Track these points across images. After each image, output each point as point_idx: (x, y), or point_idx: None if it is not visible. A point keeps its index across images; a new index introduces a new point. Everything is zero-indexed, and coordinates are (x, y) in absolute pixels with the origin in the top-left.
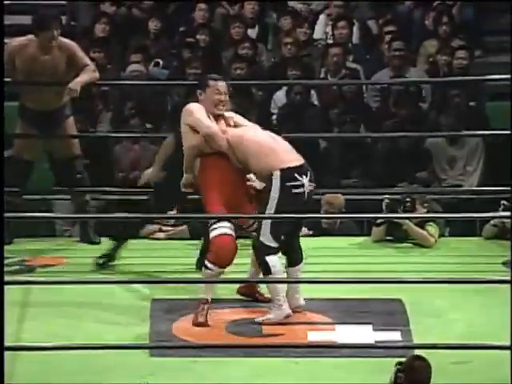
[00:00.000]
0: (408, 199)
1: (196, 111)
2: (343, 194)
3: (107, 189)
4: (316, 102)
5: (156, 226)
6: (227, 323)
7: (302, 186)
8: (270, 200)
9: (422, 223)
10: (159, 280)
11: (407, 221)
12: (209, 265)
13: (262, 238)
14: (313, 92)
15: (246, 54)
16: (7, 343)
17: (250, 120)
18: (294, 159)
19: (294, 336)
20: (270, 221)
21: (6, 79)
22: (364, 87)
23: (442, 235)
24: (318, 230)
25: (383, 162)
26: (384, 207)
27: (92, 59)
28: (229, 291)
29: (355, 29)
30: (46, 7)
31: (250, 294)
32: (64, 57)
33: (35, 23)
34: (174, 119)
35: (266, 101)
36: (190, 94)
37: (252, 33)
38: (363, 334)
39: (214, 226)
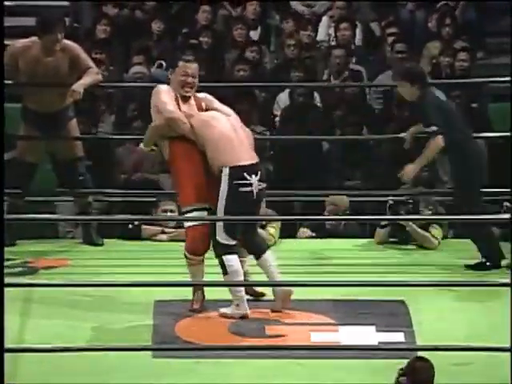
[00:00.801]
0: (411, 201)
1: (162, 93)
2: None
3: (110, 190)
4: (319, 104)
5: (159, 228)
6: (230, 324)
7: (250, 185)
8: (219, 198)
9: (425, 225)
10: (161, 283)
11: (410, 223)
12: (188, 255)
13: (217, 237)
14: (316, 94)
15: (249, 56)
16: (9, 344)
17: (250, 121)
18: (247, 157)
19: (297, 337)
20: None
21: (9, 81)
22: (367, 89)
23: (445, 237)
24: (322, 232)
25: (386, 163)
26: (387, 209)
27: (94, 60)
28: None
29: (358, 31)
30: (50, 9)
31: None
32: (67, 59)
33: (39, 26)
34: None
35: (269, 102)
36: None
37: (254, 34)
38: (366, 335)
39: (188, 215)
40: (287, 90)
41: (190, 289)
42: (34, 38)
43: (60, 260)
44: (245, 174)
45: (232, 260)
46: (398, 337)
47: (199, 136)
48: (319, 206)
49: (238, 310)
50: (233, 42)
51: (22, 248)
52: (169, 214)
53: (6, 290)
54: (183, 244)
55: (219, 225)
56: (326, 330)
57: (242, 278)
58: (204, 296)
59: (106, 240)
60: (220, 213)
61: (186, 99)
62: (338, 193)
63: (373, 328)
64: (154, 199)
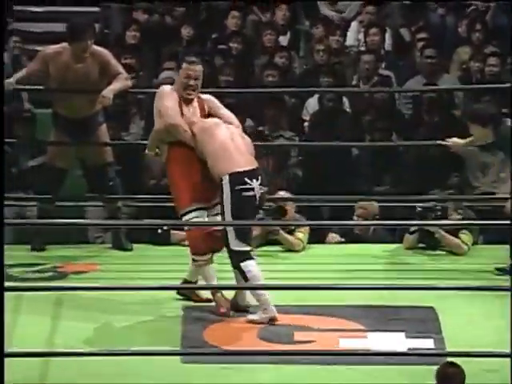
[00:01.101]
0: (440, 207)
1: (165, 97)
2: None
3: (139, 196)
4: (348, 109)
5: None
6: (259, 329)
7: (252, 189)
8: (224, 207)
9: (455, 231)
10: (190, 287)
11: (439, 229)
12: (194, 257)
13: (231, 246)
14: (345, 99)
15: (278, 62)
16: (39, 346)
17: (279, 126)
18: (246, 163)
19: (326, 343)
20: (232, 227)
21: (40, 87)
22: (396, 94)
23: (475, 243)
24: (350, 237)
25: (415, 168)
26: (416, 216)
27: (124, 66)
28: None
29: (387, 36)
30: (80, 15)
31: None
32: (97, 65)
33: (69, 32)
34: None
35: (298, 108)
36: (222, 101)
37: (284, 40)
38: (396, 341)
39: (186, 217)
40: (316, 96)
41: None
42: (65, 44)
43: (89, 265)
44: (245, 179)
45: (249, 266)
46: (428, 343)
47: (199, 143)
48: (348, 211)
49: (265, 315)
50: (262, 47)
51: (52, 253)
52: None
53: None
54: None
55: (230, 233)
56: (354, 336)
57: (262, 281)
58: (226, 298)
59: (135, 245)
60: (227, 219)
61: (188, 101)
62: (367, 198)
63: (402, 334)
64: None
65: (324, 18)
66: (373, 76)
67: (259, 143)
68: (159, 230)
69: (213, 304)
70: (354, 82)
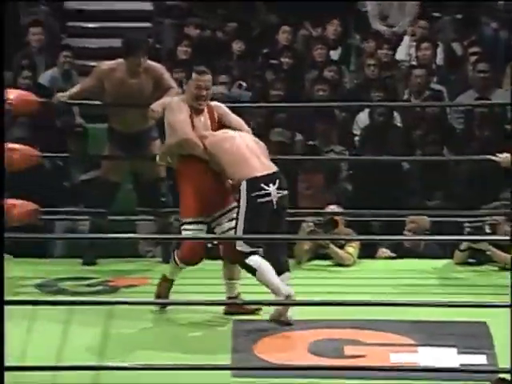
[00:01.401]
0: (490, 223)
1: (177, 110)
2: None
3: None
4: (399, 124)
5: None
6: (309, 344)
7: (269, 194)
8: (240, 212)
9: (507, 247)
10: (242, 302)
11: (490, 246)
12: (177, 260)
13: (238, 248)
14: (396, 113)
15: (328, 76)
16: (91, 360)
17: (330, 140)
18: (262, 168)
19: (376, 357)
20: (241, 230)
21: (95, 102)
22: (448, 108)
23: None
24: (401, 252)
25: (466, 183)
26: (466, 234)
27: (175, 80)
28: (312, 313)
29: (439, 50)
30: (134, 31)
31: (235, 311)
32: (151, 79)
33: (123, 48)
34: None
35: (349, 122)
36: (272, 116)
37: (334, 54)
38: (447, 356)
39: (185, 226)
40: (367, 110)
41: (269, 308)
42: (120, 60)
43: (140, 279)
44: (262, 185)
45: (254, 258)
46: (480, 359)
47: (212, 156)
48: (399, 225)
49: (281, 297)
50: (313, 61)
51: (103, 267)
52: None
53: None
54: None
55: (238, 235)
56: (405, 350)
57: (271, 268)
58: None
59: None
60: (240, 226)
61: (199, 111)
62: (418, 212)
63: (454, 350)
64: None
65: (375, 33)
66: (424, 90)
67: (309, 157)
68: (209, 245)
69: (262, 317)
70: (405, 97)
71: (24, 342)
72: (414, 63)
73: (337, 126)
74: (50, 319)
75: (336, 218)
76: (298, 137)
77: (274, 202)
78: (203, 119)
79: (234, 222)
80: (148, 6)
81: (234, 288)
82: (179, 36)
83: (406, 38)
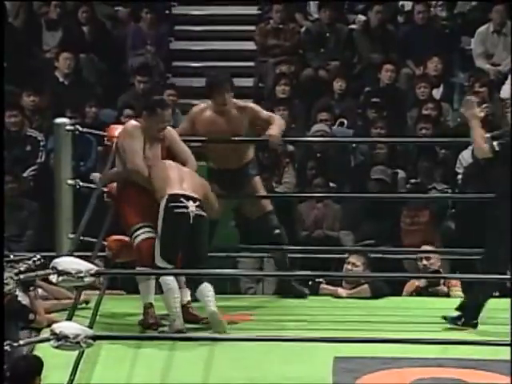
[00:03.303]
0: None
1: (132, 137)
2: None
3: (293, 248)
4: None
5: (336, 288)
6: (412, 381)
7: (186, 207)
8: (158, 221)
9: None
10: (341, 339)
11: None
12: (141, 268)
13: (155, 261)
14: None
15: (431, 114)
16: None
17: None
18: (185, 189)
19: None
20: (159, 244)
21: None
22: None
23: None
24: (504, 291)
25: None
26: None
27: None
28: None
29: None
30: (218, 70)
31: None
32: (245, 118)
33: (207, 87)
34: (357, 178)
35: (451, 160)
36: (374, 152)
37: (436, 93)
38: None
39: (137, 233)
40: (470, 148)
41: (370, 345)
42: (209, 101)
43: (242, 315)
44: (180, 199)
45: (168, 279)
46: None
47: (151, 181)
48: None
49: (172, 327)
50: (415, 99)
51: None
52: (354, 268)
53: None
54: (362, 301)
55: (157, 249)
56: None
57: (178, 295)
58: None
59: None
60: (158, 235)
61: (154, 139)
62: None
63: None
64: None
65: (479, 71)
66: None
67: (413, 195)
68: (310, 282)
69: (364, 355)
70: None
71: (128, 376)
72: None
73: (439, 164)
74: (152, 355)
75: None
76: (401, 174)
77: (191, 216)
78: (155, 147)
79: None
80: (251, 46)
81: (183, 296)
82: (279, 75)
83: (511, 77)
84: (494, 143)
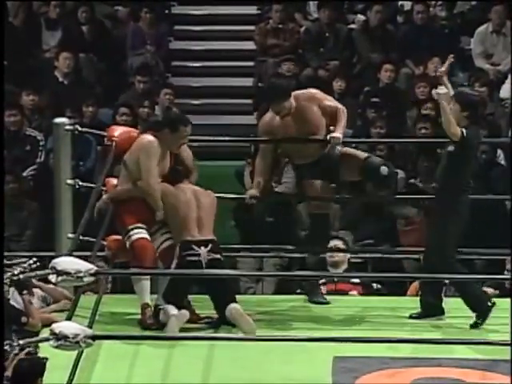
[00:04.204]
0: None
1: (152, 156)
2: None
3: (289, 247)
4: (502, 162)
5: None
6: (413, 380)
7: (198, 255)
8: (172, 266)
9: None
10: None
11: None
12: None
13: (156, 302)
14: (499, 151)
15: (430, 114)
16: None
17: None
18: (199, 234)
19: None
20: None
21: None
22: None
23: None
24: (504, 291)
25: None
26: None
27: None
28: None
29: None
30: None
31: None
32: (314, 106)
33: (265, 102)
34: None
35: None
36: (374, 152)
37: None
38: None
39: (130, 233)
40: None
41: (370, 345)
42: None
43: None
44: (193, 246)
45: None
46: None
47: (164, 203)
48: (502, 264)
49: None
50: (415, 99)
51: (203, 302)
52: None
53: None
54: (363, 301)
55: (160, 288)
56: None
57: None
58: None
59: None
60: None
61: (168, 153)
62: None
63: None
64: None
65: (479, 71)
66: None
67: (411, 196)
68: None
69: (364, 355)
70: (509, 134)
71: (128, 376)
72: None
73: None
74: (152, 355)
75: None
76: (400, 174)
77: (203, 263)
78: (166, 160)
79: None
80: (251, 45)
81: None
82: (279, 74)
83: (510, 76)
84: (464, 130)
